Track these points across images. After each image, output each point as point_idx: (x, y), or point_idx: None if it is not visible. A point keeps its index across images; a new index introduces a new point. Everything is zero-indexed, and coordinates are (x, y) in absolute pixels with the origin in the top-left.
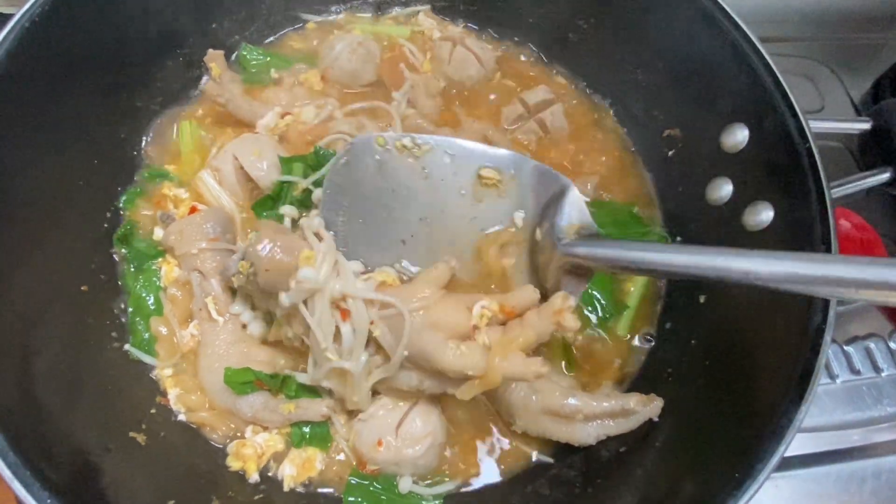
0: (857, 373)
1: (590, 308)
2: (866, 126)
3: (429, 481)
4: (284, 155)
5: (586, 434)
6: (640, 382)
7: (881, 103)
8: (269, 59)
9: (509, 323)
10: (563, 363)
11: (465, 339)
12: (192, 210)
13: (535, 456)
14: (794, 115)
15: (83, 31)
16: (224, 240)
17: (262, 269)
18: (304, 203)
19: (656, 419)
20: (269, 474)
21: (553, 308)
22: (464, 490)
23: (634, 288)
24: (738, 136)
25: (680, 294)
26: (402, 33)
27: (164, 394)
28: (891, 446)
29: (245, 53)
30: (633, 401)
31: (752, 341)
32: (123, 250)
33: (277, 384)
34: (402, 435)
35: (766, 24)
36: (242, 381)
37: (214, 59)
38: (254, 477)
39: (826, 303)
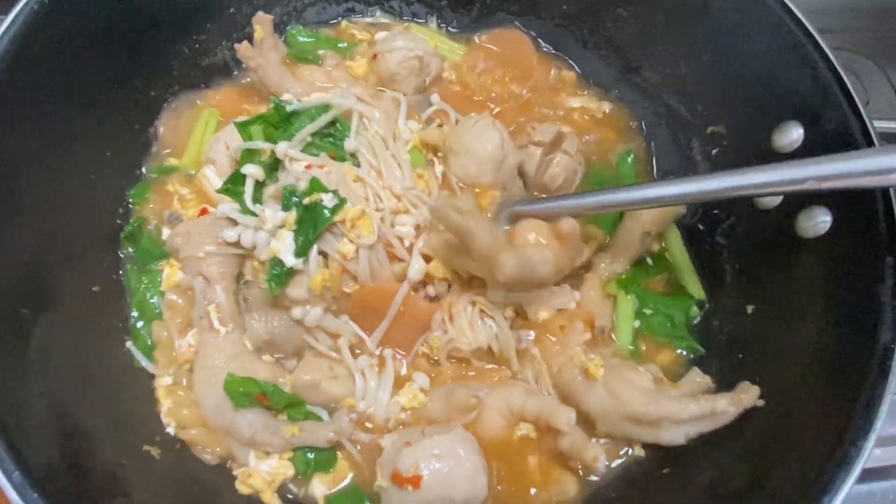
0: None
1: None
2: None
3: None
4: None
5: (676, 436)
6: None
7: None
8: (317, 40)
9: None
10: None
11: None
12: (203, 212)
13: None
14: (857, 112)
15: (94, 12)
16: (234, 245)
17: None
18: (272, 166)
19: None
20: (290, 497)
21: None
22: None
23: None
24: (792, 135)
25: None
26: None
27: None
28: None
29: (293, 32)
30: (724, 401)
31: (806, 361)
32: (130, 249)
33: (283, 401)
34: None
35: (807, 15)
36: (243, 392)
37: (261, 21)
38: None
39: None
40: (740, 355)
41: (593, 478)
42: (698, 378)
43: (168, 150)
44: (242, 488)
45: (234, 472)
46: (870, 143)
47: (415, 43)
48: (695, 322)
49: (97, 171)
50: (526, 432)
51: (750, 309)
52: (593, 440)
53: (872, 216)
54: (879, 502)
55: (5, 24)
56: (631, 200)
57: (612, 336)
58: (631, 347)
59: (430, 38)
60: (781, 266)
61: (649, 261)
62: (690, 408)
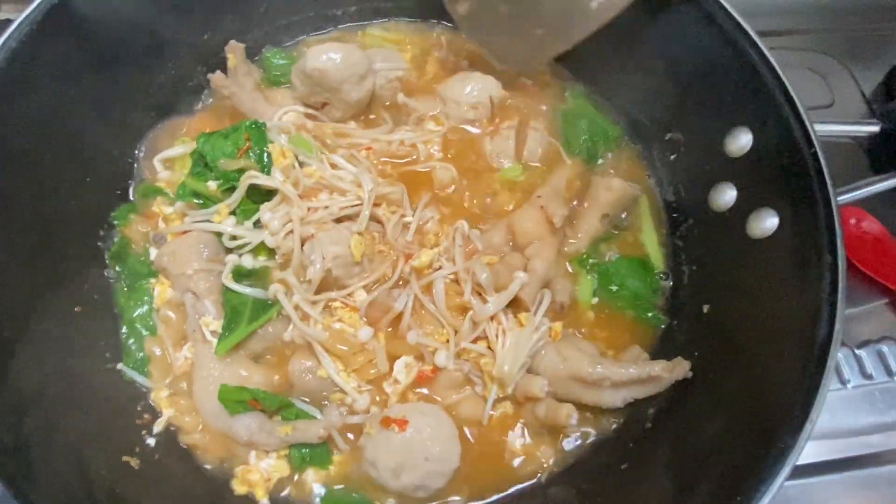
0: (870, 377)
1: None
2: (876, 129)
3: None
4: None
5: (614, 398)
6: None
7: (890, 104)
8: (291, 61)
9: None
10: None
11: None
12: (185, 231)
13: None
14: (799, 118)
15: (75, 46)
16: (218, 260)
17: None
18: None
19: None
20: (282, 494)
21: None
22: None
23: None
24: (741, 141)
25: (684, 304)
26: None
27: (158, 415)
28: None
29: (268, 55)
30: (659, 367)
31: (755, 356)
32: (118, 268)
33: (274, 404)
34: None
35: (772, 16)
36: (237, 400)
37: (234, 50)
38: (263, 502)
39: (832, 315)
40: (696, 353)
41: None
42: (637, 353)
43: (149, 175)
44: (238, 486)
45: (234, 470)
46: (811, 148)
47: (392, 62)
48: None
49: (77, 195)
50: (503, 410)
51: (706, 308)
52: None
53: (814, 218)
54: (813, 498)
55: None
56: None
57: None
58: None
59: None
60: (734, 265)
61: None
62: (630, 371)
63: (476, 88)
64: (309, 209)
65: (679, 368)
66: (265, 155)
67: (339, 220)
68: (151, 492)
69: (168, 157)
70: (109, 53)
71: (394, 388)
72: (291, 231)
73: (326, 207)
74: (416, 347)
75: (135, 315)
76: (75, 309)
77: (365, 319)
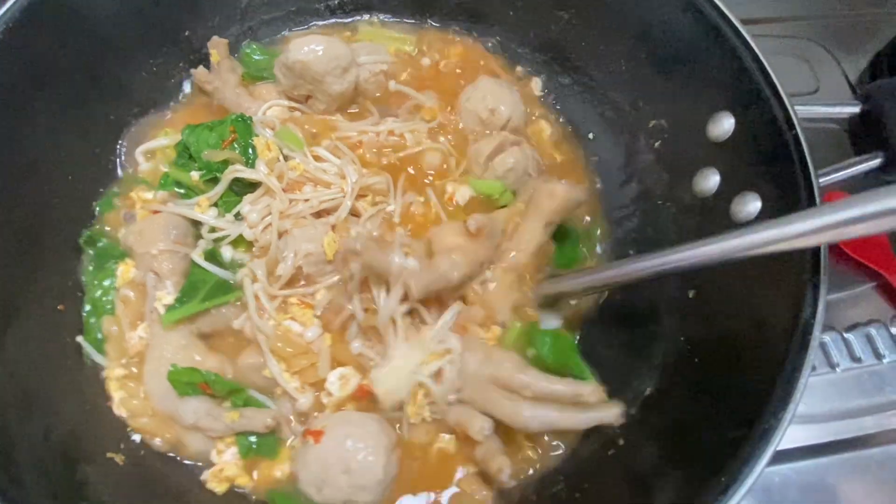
0: (858, 360)
1: None
2: (856, 110)
3: None
4: None
5: (530, 417)
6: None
7: (869, 85)
8: (271, 57)
9: None
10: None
11: None
12: (155, 212)
13: None
14: (780, 101)
15: (53, 44)
16: (184, 244)
17: None
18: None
19: (616, 428)
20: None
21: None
22: None
23: None
24: (724, 125)
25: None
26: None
27: (108, 398)
28: (894, 435)
29: (248, 51)
30: (589, 390)
31: (741, 338)
32: (90, 251)
33: (224, 389)
34: (353, 474)
35: (757, 3)
36: (187, 381)
37: (217, 45)
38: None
39: (815, 298)
40: (682, 338)
41: None
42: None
43: (130, 169)
44: (216, 486)
45: (202, 477)
46: (793, 131)
47: (377, 56)
48: None
49: (59, 194)
50: (445, 445)
51: (692, 294)
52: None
53: (797, 201)
54: (805, 481)
55: None
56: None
57: None
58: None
59: (378, 36)
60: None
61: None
62: (554, 385)
63: (500, 102)
64: (291, 201)
65: (610, 409)
66: (250, 148)
67: (319, 214)
68: (136, 488)
69: (150, 148)
70: (89, 51)
71: (329, 399)
72: (270, 224)
73: (307, 200)
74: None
75: (97, 294)
76: (58, 307)
77: (318, 320)
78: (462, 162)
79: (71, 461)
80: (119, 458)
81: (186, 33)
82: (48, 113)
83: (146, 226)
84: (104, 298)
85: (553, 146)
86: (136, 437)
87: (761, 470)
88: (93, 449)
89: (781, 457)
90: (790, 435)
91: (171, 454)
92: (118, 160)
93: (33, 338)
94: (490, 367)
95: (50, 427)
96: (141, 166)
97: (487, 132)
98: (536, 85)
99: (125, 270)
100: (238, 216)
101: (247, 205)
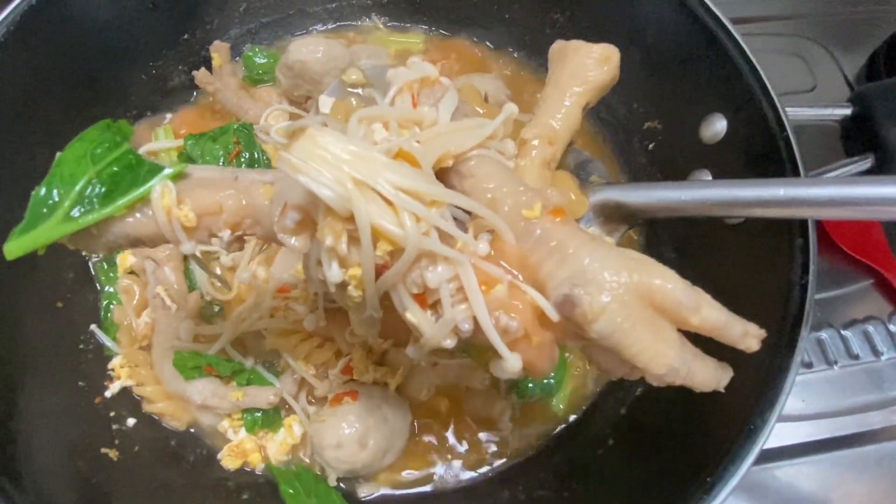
0: (856, 358)
1: None
2: (847, 112)
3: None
4: None
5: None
6: None
7: (859, 88)
8: (273, 60)
9: None
10: None
11: None
12: None
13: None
14: (771, 102)
15: (53, 47)
16: None
17: None
18: None
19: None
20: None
21: None
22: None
23: None
24: (716, 127)
25: None
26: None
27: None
28: (892, 432)
29: (250, 53)
30: (756, 329)
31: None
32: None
33: (228, 370)
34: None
35: (755, 2)
36: (191, 366)
37: (219, 49)
38: (260, 467)
39: (803, 296)
40: None
41: None
42: None
43: None
44: (229, 462)
45: (218, 456)
46: (783, 132)
47: (377, 58)
48: None
49: None
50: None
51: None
52: None
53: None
54: (802, 478)
55: None
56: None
57: None
58: None
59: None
60: (711, 249)
61: None
62: (727, 315)
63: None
64: None
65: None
66: (256, 152)
67: None
68: (130, 483)
69: (150, 150)
70: (88, 54)
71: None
72: None
73: None
74: None
75: (110, 288)
76: (57, 305)
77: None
78: None
79: (66, 457)
80: (113, 454)
81: (185, 36)
82: (48, 115)
83: None
84: (116, 290)
85: None
86: (130, 431)
87: (746, 469)
88: (86, 445)
89: (779, 454)
90: (788, 432)
91: (169, 450)
92: None
93: (33, 336)
94: (637, 279)
95: (47, 424)
96: None
97: None
98: None
99: (123, 259)
100: None
101: None
